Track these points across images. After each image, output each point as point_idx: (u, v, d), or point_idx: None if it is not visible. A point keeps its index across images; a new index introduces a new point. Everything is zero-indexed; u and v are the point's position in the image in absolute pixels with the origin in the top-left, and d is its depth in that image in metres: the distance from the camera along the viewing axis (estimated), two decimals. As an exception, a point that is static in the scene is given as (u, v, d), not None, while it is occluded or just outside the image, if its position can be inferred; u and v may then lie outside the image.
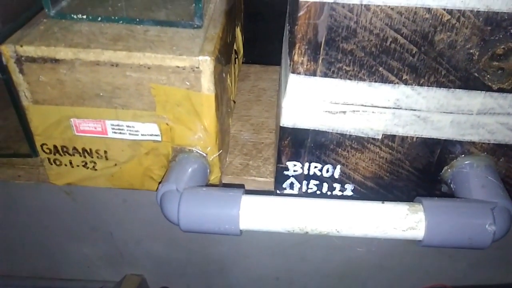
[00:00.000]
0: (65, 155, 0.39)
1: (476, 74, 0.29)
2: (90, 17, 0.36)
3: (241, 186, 0.44)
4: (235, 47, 0.51)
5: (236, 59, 0.53)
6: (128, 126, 0.37)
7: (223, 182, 0.44)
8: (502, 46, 0.28)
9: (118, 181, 0.42)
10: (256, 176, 0.45)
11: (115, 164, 0.40)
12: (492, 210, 0.31)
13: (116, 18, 0.36)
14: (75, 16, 0.36)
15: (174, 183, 0.35)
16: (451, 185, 0.36)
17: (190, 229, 0.33)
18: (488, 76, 0.29)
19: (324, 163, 0.38)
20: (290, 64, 0.32)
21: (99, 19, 0.36)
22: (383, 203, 0.32)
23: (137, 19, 0.36)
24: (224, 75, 0.40)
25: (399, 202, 0.32)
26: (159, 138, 0.38)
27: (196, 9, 0.35)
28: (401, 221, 0.31)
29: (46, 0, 0.36)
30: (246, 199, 0.33)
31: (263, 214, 0.32)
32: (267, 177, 0.45)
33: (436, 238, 0.31)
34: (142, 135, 0.38)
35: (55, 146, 0.39)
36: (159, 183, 0.37)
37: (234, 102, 0.51)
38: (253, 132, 0.51)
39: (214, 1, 0.42)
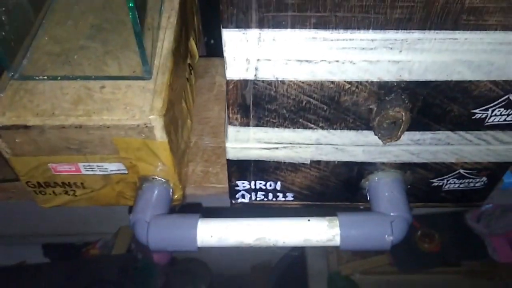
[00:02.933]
0: (48, 187, 0.46)
1: (375, 134, 0.36)
2: (51, 77, 0.41)
3: (202, 198, 0.52)
4: (189, 61, 0.56)
5: (192, 71, 0.57)
6: (98, 165, 0.44)
7: (187, 192, 0.52)
8: (394, 104, 0.35)
9: (96, 202, 0.49)
10: (215, 183, 0.53)
11: (92, 191, 0.47)
12: (391, 222, 0.40)
13: (74, 76, 0.41)
14: (37, 78, 0.41)
15: (141, 213, 0.43)
16: (368, 195, 0.45)
17: (158, 250, 0.42)
18: (380, 133, 0.36)
19: (266, 180, 0.46)
20: (226, 117, 0.39)
21: (59, 78, 0.41)
22: (309, 220, 0.41)
23: (93, 76, 0.41)
24: (178, 107, 0.46)
25: (321, 218, 0.41)
26: (125, 172, 0.45)
27: (142, 63, 0.40)
28: (322, 235, 0.40)
29: (8, 66, 0.40)
30: (201, 224, 0.41)
31: (215, 235, 0.41)
32: (225, 183, 0.53)
33: (349, 246, 0.40)
34: (111, 170, 0.44)
35: (38, 183, 0.45)
36: (130, 212, 0.44)
37: (191, 121, 0.56)
38: (213, 136, 0.58)
39: (162, 38, 0.46)
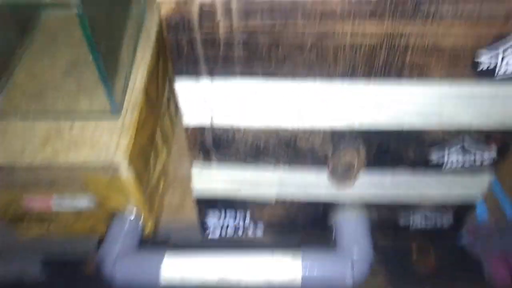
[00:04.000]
0: (22, 223, 0.47)
1: (329, 179, 0.37)
2: (23, 117, 0.42)
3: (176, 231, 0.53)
4: (168, 94, 0.57)
5: (172, 101, 0.59)
6: (68, 202, 0.45)
7: (161, 224, 0.53)
8: (347, 150, 0.36)
9: (68, 235, 0.50)
10: (189, 215, 0.53)
11: (65, 226, 0.48)
12: (352, 263, 0.40)
13: (45, 117, 0.42)
14: (9, 118, 0.42)
15: (108, 248, 0.43)
16: (334, 232, 0.45)
17: (123, 286, 0.43)
18: (335, 179, 0.37)
19: (235, 217, 0.47)
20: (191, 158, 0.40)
21: (30, 119, 0.42)
22: (272, 254, 0.41)
23: (62, 116, 0.42)
24: (150, 141, 0.47)
25: (285, 256, 0.41)
26: (96, 207, 0.46)
27: (109, 102, 0.41)
28: (285, 275, 0.40)
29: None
30: (166, 262, 0.42)
31: (178, 274, 0.41)
32: (199, 216, 0.53)
33: (310, 287, 0.41)
34: (80, 207, 0.45)
35: (10, 219, 0.47)
36: (99, 248, 0.45)
37: (169, 152, 0.56)
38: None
39: (135, 74, 0.47)
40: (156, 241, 0.51)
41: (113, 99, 0.42)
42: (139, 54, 0.49)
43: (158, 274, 0.41)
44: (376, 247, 0.57)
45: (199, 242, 0.50)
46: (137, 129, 0.42)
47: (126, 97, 0.45)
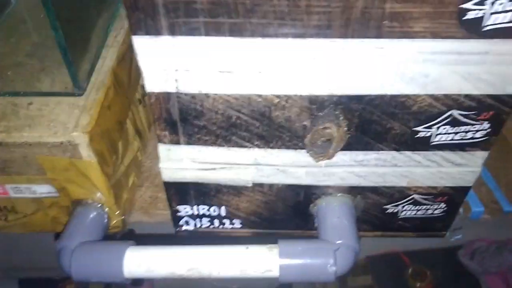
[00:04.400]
0: (-24, 212, 0.43)
1: (306, 152, 0.34)
2: (-23, 93, 0.39)
3: (149, 225, 0.49)
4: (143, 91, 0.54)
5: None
6: (26, 187, 0.41)
7: (132, 218, 0.49)
8: (327, 120, 0.33)
9: (30, 228, 0.46)
10: (163, 209, 0.50)
11: (24, 216, 0.44)
12: (335, 251, 0.37)
13: (2, 92, 0.39)
14: (-38, 93, 0.39)
15: (68, 240, 0.39)
16: (315, 220, 0.42)
17: (82, 280, 0.38)
18: (313, 150, 0.34)
19: (209, 205, 0.43)
20: (155, 134, 0.36)
21: (-15, 94, 0.39)
22: (247, 248, 0.38)
23: (21, 92, 0.39)
24: (118, 127, 0.44)
25: (261, 246, 0.38)
26: (57, 194, 0.42)
27: (72, 79, 0.39)
28: (260, 265, 0.37)
29: None
30: (129, 253, 0.38)
31: (144, 264, 0.37)
32: (173, 209, 0.50)
33: (289, 278, 0.37)
34: (40, 193, 0.42)
35: (-36, 206, 0.43)
36: (57, 238, 0.41)
37: (142, 144, 0.53)
38: (167, 160, 0.55)
39: (105, 56, 0.44)
40: (124, 235, 0.47)
41: (75, 77, 0.39)
42: (111, 37, 0.47)
43: (120, 266, 0.37)
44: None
45: (169, 233, 0.46)
46: (101, 109, 0.39)
47: (93, 78, 0.42)
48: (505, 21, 0.27)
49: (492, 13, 0.27)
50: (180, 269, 0.37)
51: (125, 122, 0.47)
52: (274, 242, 0.38)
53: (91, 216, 0.42)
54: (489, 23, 0.27)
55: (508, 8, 0.26)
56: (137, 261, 0.37)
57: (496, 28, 0.27)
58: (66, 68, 0.41)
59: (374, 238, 0.66)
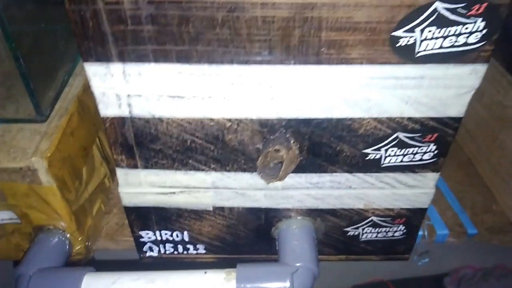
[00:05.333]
0: None
1: (258, 174, 0.35)
2: None
3: (115, 253, 0.49)
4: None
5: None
6: (-13, 214, 0.41)
7: (98, 245, 0.48)
8: (277, 143, 0.34)
9: (-7, 255, 0.46)
10: (129, 236, 0.49)
11: (-14, 243, 0.44)
12: (292, 274, 0.37)
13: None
14: None
15: (26, 266, 0.39)
16: (277, 244, 0.42)
17: (40, 308, 0.38)
18: (264, 172, 0.34)
19: (172, 230, 0.43)
20: (113, 158, 0.37)
21: (-51, 121, 0.40)
22: (205, 272, 0.38)
23: (-17, 120, 0.40)
24: (82, 153, 0.45)
25: (220, 270, 0.38)
26: (18, 221, 0.42)
27: (34, 106, 0.39)
28: (218, 289, 0.37)
29: None
30: (87, 280, 0.37)
31: (101, 292, 0.37)
32: (139, 236, 0.49)
33: (247, 302, 0.37)
34: (2, 219, 0.42)
35: None
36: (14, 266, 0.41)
37: (110, 171, 0.54)
38: (137, 187, 0.55)
39: (71, 84, 0.46)
40: (86, 263, 0.46)
41: (38, 104, 0.40)
42: (79, 66, 0.48)
43: (77, 292, 0.37)
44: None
45: (131, 261, 0.46)
46: (62, 135, 0.40)
47: (57, 105, 0.43)
48: (436, 47, 0.29)
49: (422, 40, 0.28)
50: (137, 296, 0.37)
51: (90, 148, 0.47)
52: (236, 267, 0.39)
53: (52, 242, 0.42)
54: (421, 49, 0.29)
55: (436, 35, 0.28)
56: (95, 287, 0.37)
57: (428, 54, 0.29)
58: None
59: (360, 266, 0.66)
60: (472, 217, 0.53)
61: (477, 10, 0.27)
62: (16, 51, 0.36)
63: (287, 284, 0.36)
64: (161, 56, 0.29)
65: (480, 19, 0.27)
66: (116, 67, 0.30)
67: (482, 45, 0.29)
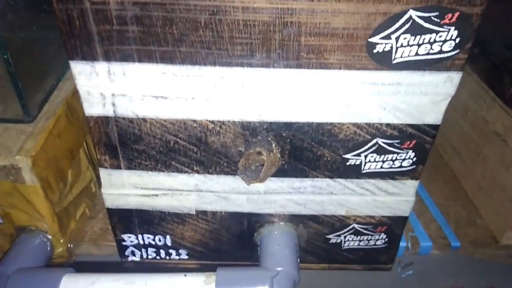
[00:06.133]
0: None
1: (239, 175, 0.35)
2: None
3: (97, 257, 0.48)
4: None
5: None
6: (-31, 213, 0.41)
7: (81, 250, 0.48)
8: (258, 145, 0.34)
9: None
10: (112, 241, 0.49)
11: (-32, 243, 0.44)
12: (272, 278, 0.37)
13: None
14: None
15: (4, 265, 0.39)
16: (259, 249, 0.42)
17: (17, 308, 0.38)
18: (245, 174, 0.35)
19: (154, 234, 0.43)
20: (96, 158, 0.37)
21: None
22: (185, 275, 0.38)
23: (-30, 118, 0.40)
24: (68, 155, 0.45)
25: (200, 273, 0.38)
26: (0, 221, 0.42)
27: (21, 106, 0.40)
28: (197, 292, 0.36)
29: None
30: (66, 279, 0.37)
31: (80, 292, 0.37)
32: (123, 241, 0.49)
33: (226, 305, 0.37)
34: (-16, 219, 0.42)
35: None
36: (-5, 265, 0.40)
37: (95, 168, 0.54)
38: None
39: (60, 88, 0.46)
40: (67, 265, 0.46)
41: (25, 105, 0.40)
42: (70, 72, 0.49)
43: (55, 293, 0.36)
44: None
45: (112, 263, 0.46)
46: (48, 136, 0.40)
47: (45, 107, 0.43)
48: (411, 55, 0.30)
49: (398, 47, 0.29)
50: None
51: (77, 152, 0.47)
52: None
53: (34, 243, 0.42)
54: (397, 56, 0.30)
55: (412, 43, 0.29)
56: (73, 287, 0.37)
57: (404, 61, 0.30)
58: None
59: (344, 278, 0.65)
60: (456, 230, 0.54)
61: (450, 19, 0.28)
62: (5, 53, 0.37)
63: (267, 287, 0.36)
64: (145, 56, 0.30)
65: (453, 27, 0.28)
66: (101, 66, 0.31)
67: (456, 53, 0.30)
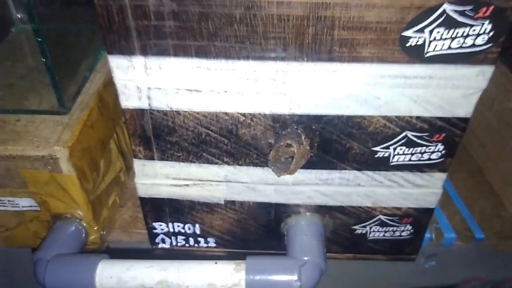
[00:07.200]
0: (-41, 224, 0.45)
1: (269, 167, 0.36)
2: (-31, 110, 0.42)
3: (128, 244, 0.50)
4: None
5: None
6: (9, 201, 0.43)
7: (112, 237, 0.50)
8: (289, 138, 0.35)
9: (12, 242, 0.47)
10: (142, 229, 0.51)
11: (6, 230, 0.46)
12: (300, 267, 0.38)
13: (-8, 110, 0.42)
14: (-45, 109, 0.42)
15: (44, 251, 0.41)
16: (286, 239, 0.43)
17: (56, 291, 0.40)
18: (275, 166, 0.36)
19: (184, 222, 0.45)
20: (131, 149, 0.39)
21: (-23, 111, 0.42)
22: (216, 263, 0.39)
23: (11, 110, 0.42)
24: (101, 146, 0.46)
25: (230, 261, 0.39)
26: (38, 208, 0.44)
27: (57, 99, 0.41)
28: (227, 279, 0.38)
29: None
30: (102, 265, 0.39)
31: (115, 276, 0.38)
32: (152, 229, 0.51)
33: (255, 292, 0.38)
34: (22, 206, 0.43)
35: None
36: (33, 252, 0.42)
37: (125, 165, 0.55)
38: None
39: (92, 80, 0.48)
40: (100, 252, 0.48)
41: (61, 98, 0.42)
42: (101, 63, 0.50)
43: (92, 277, 0.38)
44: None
45: (143, 250, 0.47)
46: (83, 127, 0.42)
47: (79, 99, 0.45)
48: (444, 48, 0.30)
49: (431, 41, 0.30)
50: (150, 282, 0.38)
51: (108, 142, 0.49)
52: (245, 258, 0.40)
53: (69, 230, 0.44)
54: (430, 50, 0.30)
55: (445, 36, 0.29)
56: (109, 273, 0.38)
57: (437, 55, 0.30)
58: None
59: (367, 268, 0.65)
60: (480, 223, 0.54)
61: (484, 12, 0.28)
62: (44, 46, 0.38)
63: (295, 277, 0.37)
64: (181, 51, 0.31)
65: (487, 21, 0.28)
66: (138, 60, 0.32)
67: (489, 47, 0.30)
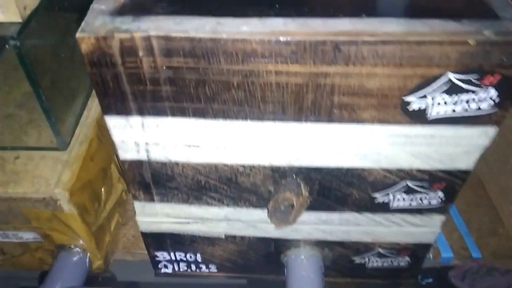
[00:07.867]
0: (-34, 253, 0.46)
1: (268, 218, 0.36)
2: (-32, 147, 0.42)
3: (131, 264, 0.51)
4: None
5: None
6: (12, 234, 0.44)
7: (115, 257, 0.51)
8: (288, 188, 0.35)
9: (20, 267, 0.49)
10: (144, 249, 0.52)
11: (13, 257, 0.47)
12: (299, 305, 0.39)
13: (-9, 147, 0.42)
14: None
15: (49, 286, 0.42)
16: (285, 271, 0.44)
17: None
18: (275, 216, 0.36)
19: (185, 252, 0.45)
20: (130, 193, 0.39)
21: (-25, 148, 0.42)
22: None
23: (9, 147, 0.42)
24: (101, 174, 0.46)
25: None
26: (42, 240, 0.44)
27: (55, 136, 0.41)
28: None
29: None
30: (106, 301, 0.40)
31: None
32: (154, 249, 0.52)
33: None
34: (26, 239, 0.44)
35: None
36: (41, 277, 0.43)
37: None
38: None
39: (90, 107, 0.47)
40: (105, 277, 0.49)
41: (58, 133, 0.41)
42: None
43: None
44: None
45: (147, 277, 0.48)
46: (83, 163, 0.42)
47: (77, 131, 0.44)
48: (448, 112, 0.29)
49: (434, 106, 0.29)
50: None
51: (109, 168, 0.49)
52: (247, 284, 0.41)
53: (74, 260, 0.45)
54: (433, 114, 0.29)
55: (449, 102, 0.29)
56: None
57: (440, 118, 0.30)
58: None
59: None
60: (477, 240, 0.54)
61: (490, 81, 0.27)
62: (40, 91, 0.37)
63: (294, 316, 0.38)
64: (178, 112, 0.30)
65: (493, 89, 0.28)
66: (135, 120, 0.31)
67: (495, 112, 0.29)
